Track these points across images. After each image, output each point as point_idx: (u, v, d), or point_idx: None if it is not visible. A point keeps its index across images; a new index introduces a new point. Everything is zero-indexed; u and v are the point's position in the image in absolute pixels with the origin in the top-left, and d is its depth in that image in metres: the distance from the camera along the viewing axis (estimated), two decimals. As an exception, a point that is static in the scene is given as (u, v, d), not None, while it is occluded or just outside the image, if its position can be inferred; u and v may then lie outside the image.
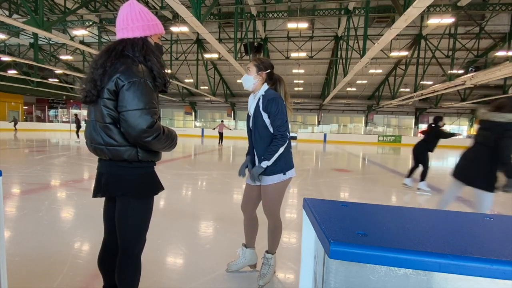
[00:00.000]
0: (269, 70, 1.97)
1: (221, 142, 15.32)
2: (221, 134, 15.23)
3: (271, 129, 1.91)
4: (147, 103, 1.23)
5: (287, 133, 1.90)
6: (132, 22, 1.33)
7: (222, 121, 16.45)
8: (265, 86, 1.96)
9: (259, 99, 1.92)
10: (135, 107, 1.21)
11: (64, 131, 21.42)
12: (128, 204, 1.36)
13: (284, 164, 1.93)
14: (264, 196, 1.99)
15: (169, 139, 1.34)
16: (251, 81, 1.95)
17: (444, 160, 12.55)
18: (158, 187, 1.44)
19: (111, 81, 1.25)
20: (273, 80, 2.01)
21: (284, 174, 1.93)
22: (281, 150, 1.88)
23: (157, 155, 1.41)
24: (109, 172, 1.35)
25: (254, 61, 1.98)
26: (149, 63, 1.33)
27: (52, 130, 25.22)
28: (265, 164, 1.88)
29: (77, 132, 15.02)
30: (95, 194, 1.42)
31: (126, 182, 1.33)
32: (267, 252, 2.07)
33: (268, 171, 1.91)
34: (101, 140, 1.29)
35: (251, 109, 1.98)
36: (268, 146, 1.89)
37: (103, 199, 1.47)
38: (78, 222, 3.18)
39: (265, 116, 1.89)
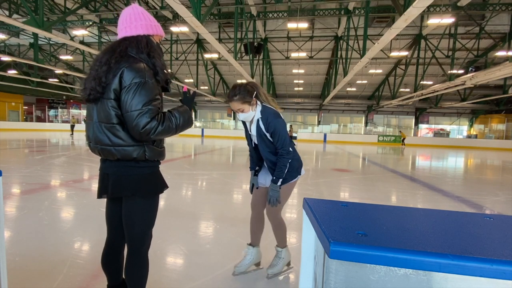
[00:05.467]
0: (255, 93, 1.90)
1: None
2: None
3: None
4: (144, 103, 1.24)
5: (290, 148, 1.92)
6: (135, 20, 1.35)
7: None
8: (258, 106, 1.92)
9: (258, 121, 1.92)
10: (133, 108, 1.23)
11: (64, 131, 21.44)
12: (136, 203, 1.38)
13: (294, 171, 2.01)
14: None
15: (176, 125, 1.33)
16: (252, 114, 1.92)
17: (444, 160, 12.55)
18: (163, 186, 1.47)
19: (115, 80, 1.26)
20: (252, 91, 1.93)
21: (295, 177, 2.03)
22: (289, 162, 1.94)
23: (162, 154, 1.44)
24: (116, 173, 1.35)
25: (239, 100, 1.85)
26: (153, 60, 1.35)
27: (52, 130, 25.23)
28: (279, 181, 1.92)
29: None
30: (100, 195, 1.43)
31: (135, 182, 1.35)
32: (277, 246, 2.16)
33: (282, 183, 1.96)
34: (108, 140, 1.30)
35: (253, 131, 1.99)
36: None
37: (105, 198, 1.48)
38: (78, 222, 3.18)
39: (268, 135, 1.92)
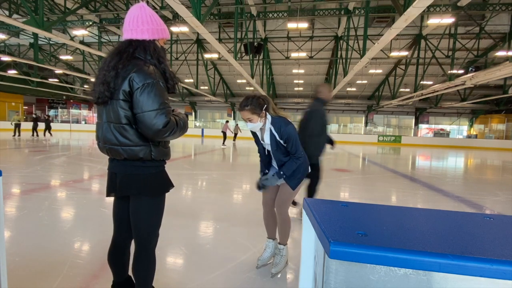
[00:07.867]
0: (265, 106, 1.98)
1: (224, 143, 15.13)
2: (224, 134, 15.17)
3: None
4: (161, 103, 1.28)
5: (302, 153, 2.10)
6: (142, 24, 1.36)
7: (227, 121, 16.23)
8: (268, 116, 2.03)
9: (270, 130, 2.03)
10: (150, 108, 1.26)
11: (64, 131, 21.44)
12: (143, 202, 1.42)
13: (303, 173, 2.15)
14: (282, 190, 2.16)
15: (183, 128, 1.40)
16: (259, 125, 2.04)
17: (444, 160, 12.55)
18: (169, 185, 1.52)
19: (125, 82, 1.28)
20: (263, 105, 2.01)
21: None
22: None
23: (167, 154, 1.47)
24: (123, 172, 1.39)
25: (249, 110, 1.96)
26: (163, 65, 1.38)
27: (52, 130, 25.14)
28: (284, 176, 2.08)
29: (45, 131, 15.50)
30: (109, 194, 1.46)
31: (141, 181, 1.38)
32: (279, 243, 2.25)
33: (293, 185, 2.11)
34: (115, 140, 1.33)
35: (266, 139, 2.10)
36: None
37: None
38: (78, 222, 3.17)
39: (282, 142, 2.05)
